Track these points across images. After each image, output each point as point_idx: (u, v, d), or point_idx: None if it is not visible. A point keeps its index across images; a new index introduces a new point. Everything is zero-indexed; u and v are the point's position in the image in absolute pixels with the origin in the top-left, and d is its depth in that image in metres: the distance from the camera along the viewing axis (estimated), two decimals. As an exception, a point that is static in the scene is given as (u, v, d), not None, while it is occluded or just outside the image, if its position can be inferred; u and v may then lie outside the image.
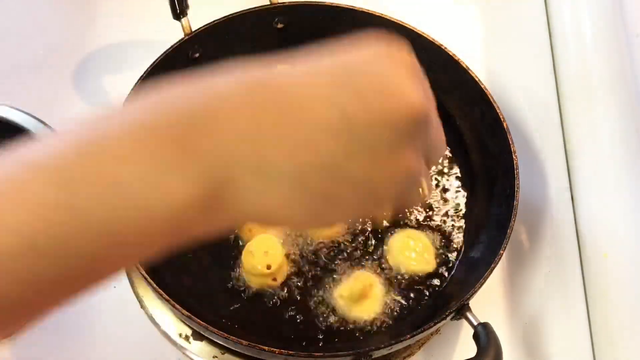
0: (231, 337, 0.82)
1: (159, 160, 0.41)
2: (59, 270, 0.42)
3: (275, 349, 0.82)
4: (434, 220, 1.02)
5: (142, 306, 1.01)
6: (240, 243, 0.98)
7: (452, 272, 0.99)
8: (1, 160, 0.42)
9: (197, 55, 1.09)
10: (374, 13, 1.09)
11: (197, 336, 0.98)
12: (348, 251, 0.99)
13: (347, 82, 0.47)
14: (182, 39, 1.05)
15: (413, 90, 0.50)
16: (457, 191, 1.06)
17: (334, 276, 0.96)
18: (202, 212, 0.44)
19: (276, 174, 0.45)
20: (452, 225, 1.02)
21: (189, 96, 0.44)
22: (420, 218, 1.02)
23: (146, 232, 0.43)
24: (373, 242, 1.00)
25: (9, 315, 0.44)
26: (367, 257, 0.98)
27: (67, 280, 0.44)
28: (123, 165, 0.41)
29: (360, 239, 1.00)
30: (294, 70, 0.51)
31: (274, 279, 0.95)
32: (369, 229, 1.00)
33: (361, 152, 0.47)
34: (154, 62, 1.02)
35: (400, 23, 1.08)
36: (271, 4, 1.11)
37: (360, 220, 1.00)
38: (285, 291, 0.95)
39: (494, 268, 0.87)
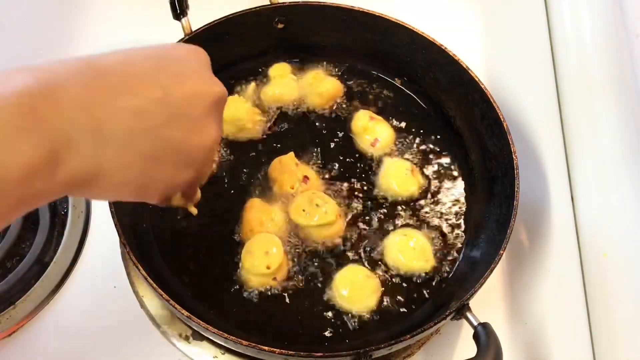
0: (231, 337, 0.82)
1: (9, 128, 0.49)
2: None
3: (275, 349, 0.82)
4: (433, 220, 1.02)
5: (142, 306, 1.01)
6: (240, 243, 0.98)
7: (452, 272, 0.99)
8: None
9: (197, 55, 1.09)
10: (374, 13, 1.10)
11: (197, 336, 0.98)
12: (347, 251, 0.99)
13: (165, 67, 0.61)
14: (182, 39, 1.05)
15: (216, 79, 0.68)
16: (457, 191, 1.06)
17: (333, 275, 0.96)
18: (47, 171, 0.52)
19: (110, 136, 0.55)
20: (452, 224, 1.02)
21: (35, 74, 0.52)
22: (420, 217, 1.02)
23: None
24: (371, 241, 1.00)
25: None
26: (365, 256, 0.98)
27: None
28: None
29: (359, 239, 1.00)
30: (120, 55, 0.61)
31: (274, 279, 0.95)
32: (369, 229, 1.01)
33: (178, 119, 0.60)
34: (154, 62, 1.02)
35: (400, 23, 1.09)
36: (271, 4, 1.11)
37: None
38: (285, 291, 0.95)
39: (494, 268, 0.87)
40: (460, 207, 1.04)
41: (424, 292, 0.97)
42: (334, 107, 1.12)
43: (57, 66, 0.55)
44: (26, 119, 0.50)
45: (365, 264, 0.97)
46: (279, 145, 1.07)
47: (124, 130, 0.56)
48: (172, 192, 0.68)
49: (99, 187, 0.57)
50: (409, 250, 0.97)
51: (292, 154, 1.04)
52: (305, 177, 1.02)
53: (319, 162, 1.06)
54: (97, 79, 0.56)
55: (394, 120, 1.11)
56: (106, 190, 0.58)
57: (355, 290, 0.93)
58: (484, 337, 0.83)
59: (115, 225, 0.89)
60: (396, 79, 1.15)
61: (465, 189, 1.06)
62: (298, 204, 0.99)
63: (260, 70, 1.15)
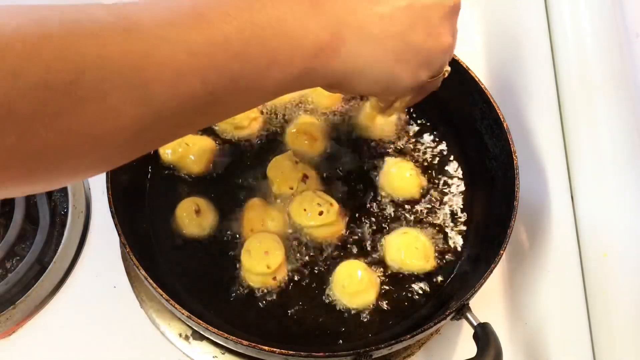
0: (231, 337, 0.82)
1: (302, 8, 0.62)
2: (239, 70, 0.58)
3: (275, 349, 0.82)
4: (433, 219, 1.02)
5: (142, 306, 1.01)
6: (240, 242, 0.98)
7: (452, 272, 0.99)
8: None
9: (197, 55, 1.09)
10: (374, 13, 1.09)
11: (197, 336, 0.98)
12: (347, 250, 0.99)
13: None
14: (182, 39, 1.05)
15: None
16: (457, 191, 1.06)
17: (333, 274, 0.96)
18: (328, 53, 0.65)
19: (369, 36, 0.68)
20: (452, 224, 1.03)
21: None
22: (420, 217, 1.02)
23: (292, 57, 0.62)
24: (372, 241, 1.00)
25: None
26: (366, 255, 0.98)
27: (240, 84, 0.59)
28: (280, 7, 0.61)
29: (359, 238, 1.00)
30: None
31: (274, 278, 0.95)
32: (369, 228, 1.01)
33: (420, 24, 0.71)
34: (154, 62, 1.02)
35: (400, 23, 1.08)
36: (271, 4, 1.11)
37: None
38: (285, 290, 0.95)
39: (494, 268, 0.87)
40: (460, 207, 1.04)
41: (424, 292, 0.97)
42: (339, 107, 1.12)
43: None
44: (314, 6, 0.63)
45: (366, 263, 0.97)
46: (276, 144, 1.07)
47: (379, 32, 0.68)
48: (411, 88, 0.78)
49: (355, 81, 0.71)
50: (410, 250, 0.97)
51: (290, 152, 1.04)
52: (305, 176, 1.02)
53: (319, 160, 1.06)
54: None
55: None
56: (360, 85, 0.72)
57: (354, 285, 0.93)
58: (484, 337, 0.83)
59: (115, 225, 0.89)
60: (396, 79, 1.15)
61: (465, 189, 1.06)
62: (298, 204, 0.99)
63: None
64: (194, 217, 0.98)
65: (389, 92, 0.78)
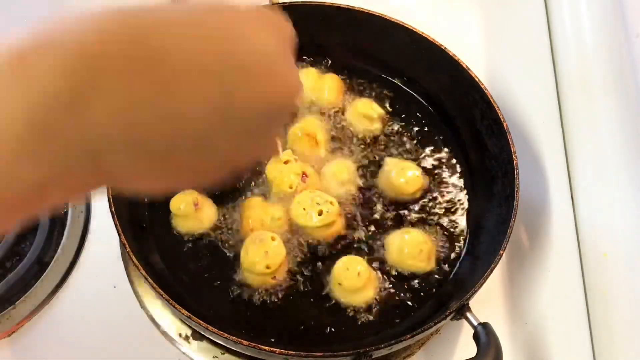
0: (231, 337, 0.82)
1: (14, 150, 0.39)
2: None
3: (275, 349, 0.82)
4: (433, 220, 1.02)
5: (142, 306, 1.01)
6: (240, 242, 0.98)
7: (452, 272, 0.99)
8: None
9: (197, 55, 1.09)
10: (373, 13, 1.09)
11: (197, 336, 0.98)
12: (347, 250, 0.99)
13: (233, 56, 0.45)
14: (182, 39, 1.05)
15: (294, 75, 0.51)
16: (457, 191, 1.06)
17: (332, 271, 0.96)
18: (59, 185, 0.42)
19: (143, 151, 0.43)
20: (452, 225, 1.02)
21: (63, 66, 0.42)
22: (420, 217, 1.02)
23: None
24: (372, 241, 1.00)
25: None
26: (366, 255, 0.98)
27: None
28: None
29: (359, 238, 1.00)
30: (177, 24, 0.44)
31: (274, 278, 0.95)
32: (369, 228, 1.01)
33: (234, 129, 0.46)
34: (154, 62, 1.02)
35: (400, 23, 1.09)
36: (271, 4, 1.11)
37: (361, 218, 1.01)
38: (285, 290, 0.95)
39: (494, 268, 0.87)
40: (460, 207, 1.04)
41: (424, 292, 0.97)
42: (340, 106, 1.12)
43: (93, 44, 0.44)
44: (38, 134, 0.41)
45: (366, 262, 0.97)
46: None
47: (157, 144, 0.44)
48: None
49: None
50: (410, 250, 0.97)
51: (289, 151, 1.03)
52: (304, 174, 1.01)
53: (318, 159, 1.06)
54: (145, 70, 0.42)
55: (394, 119, 1.11)
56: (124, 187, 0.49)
57: (351, 279, 0.93)
58: (484, 337, 0.83)
59: (115, 225, 0.89)
60: (396, 78, 1.15)
61: (465, 189, 1.06)
62: (298, 204, 0.98)
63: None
64: (192, 211, 0.98)
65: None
